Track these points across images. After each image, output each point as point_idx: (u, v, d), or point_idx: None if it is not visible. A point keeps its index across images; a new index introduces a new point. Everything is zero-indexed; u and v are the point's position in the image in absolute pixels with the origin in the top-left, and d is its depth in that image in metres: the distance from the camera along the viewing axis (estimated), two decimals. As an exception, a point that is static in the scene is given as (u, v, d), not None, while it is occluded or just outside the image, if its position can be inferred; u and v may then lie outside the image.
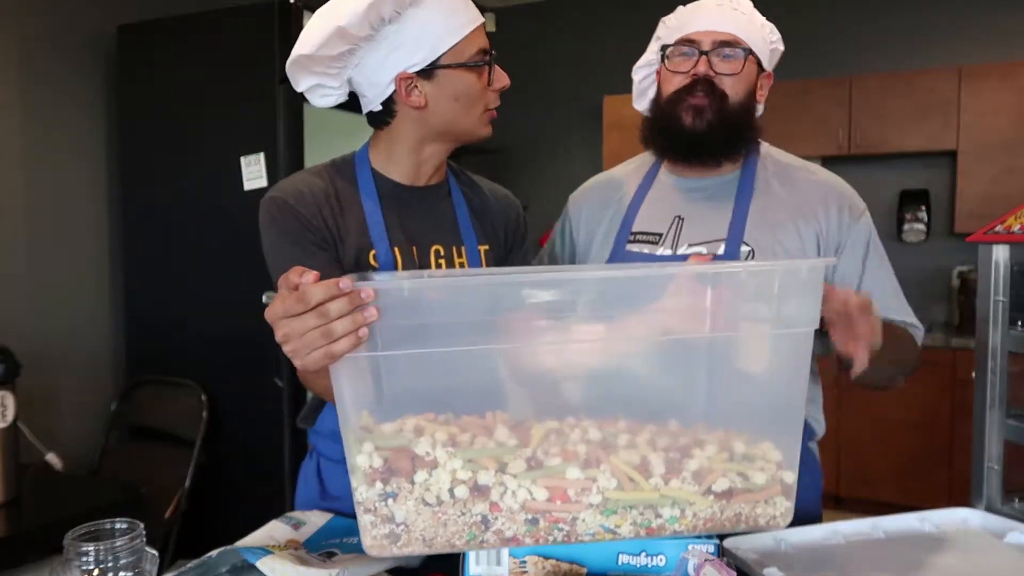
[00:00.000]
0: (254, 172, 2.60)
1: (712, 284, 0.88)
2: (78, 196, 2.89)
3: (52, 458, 2.51)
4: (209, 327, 2.73)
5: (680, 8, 1.41)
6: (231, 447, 2.73)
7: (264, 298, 1.16)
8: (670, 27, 1.40)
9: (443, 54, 1.15)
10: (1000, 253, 1.21)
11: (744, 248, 1.31)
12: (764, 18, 1.39)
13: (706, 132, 1.32)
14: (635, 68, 1.48)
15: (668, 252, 1.36)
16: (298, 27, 1.58)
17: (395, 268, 1.20)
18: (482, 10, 1.21)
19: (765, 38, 1.37)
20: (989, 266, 1.21)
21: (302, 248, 1.15)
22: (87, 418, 2.89)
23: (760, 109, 1.42)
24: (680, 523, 0.86)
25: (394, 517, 0.85)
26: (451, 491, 0.84)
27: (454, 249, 1.27)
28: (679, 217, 1.38)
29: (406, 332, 0.85)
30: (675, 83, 1.36)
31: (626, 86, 1.51)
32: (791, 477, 0.88)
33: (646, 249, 1.38)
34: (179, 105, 2.80)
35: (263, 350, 2.60)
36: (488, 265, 1.30)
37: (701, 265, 0.95)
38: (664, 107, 1.38)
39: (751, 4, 1.39)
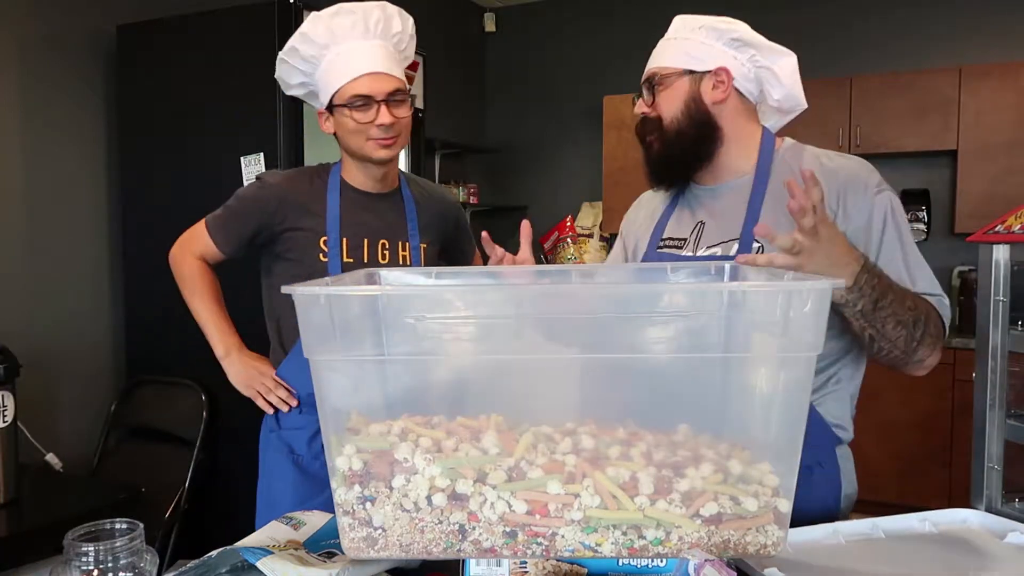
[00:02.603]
0: (254, 172, 2.60)
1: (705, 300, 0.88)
2: (78, 196, 2.89)
3: (52, 458, 2.51)
4: (209, 327, 2.72)
5: None
6: (231, 447, 2.72)
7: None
8: None
9: (332, 97, 1.57)
10: (1000, 253, 1.20)
11: (755, 245, 1.34)
12: (705, 19, 1.43)
13: (655, 159, 1.46)
14: None
15: (690, 253, 1.45)
16: (298, 27, 1.63)
17: (340, 253, 1.58)
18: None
19: (702, 41, 1.41)
20: (989, 266, 1.21)
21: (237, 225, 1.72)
22: (87, 418, 2.88)
23: (724, 109, 1.43)
24: (664, 546, 0.84)
25: (372, 521, 0.85)
26: (429, 498, 0.84)
27: (399, 244, 1.66)
28: (701, 222, 1.47)
29: (406, 333, 0.85)
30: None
31: (626, 86, 1.54)
32: (786, 506, 0.86)
33: (674, 252, 1.50)
34: (179, 105, 2.79)
35: (263, 350, 2.60)
36: (427, 259, 1.68)
37: (691, 284, 0.98)
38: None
39: (688, 20, 1.44)
